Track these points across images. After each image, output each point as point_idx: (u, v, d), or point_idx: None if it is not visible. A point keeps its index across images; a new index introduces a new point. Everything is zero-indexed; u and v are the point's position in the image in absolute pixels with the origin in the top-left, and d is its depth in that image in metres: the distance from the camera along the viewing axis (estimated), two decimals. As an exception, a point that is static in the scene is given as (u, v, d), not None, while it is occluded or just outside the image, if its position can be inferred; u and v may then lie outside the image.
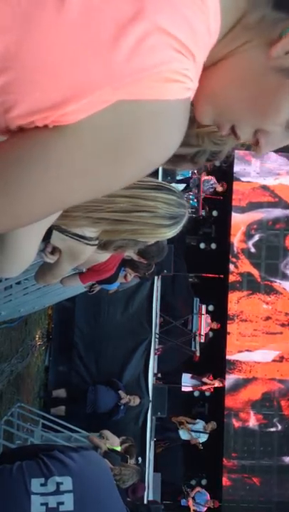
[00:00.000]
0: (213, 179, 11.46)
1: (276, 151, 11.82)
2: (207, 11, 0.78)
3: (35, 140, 0.78)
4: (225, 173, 11.62)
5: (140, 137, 0.78)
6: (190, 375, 11.12)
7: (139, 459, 8.50)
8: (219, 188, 11.66)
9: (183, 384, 11.01)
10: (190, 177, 11.22)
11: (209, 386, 11.16)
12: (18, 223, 0.85)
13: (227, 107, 0.88)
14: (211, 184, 11.47)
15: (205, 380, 11.13)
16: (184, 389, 11.01)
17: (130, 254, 2.87)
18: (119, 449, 7.47)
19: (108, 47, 0.74)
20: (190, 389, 11.11)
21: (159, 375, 10.37)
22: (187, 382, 11.06)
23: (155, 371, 9.94)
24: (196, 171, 11.00)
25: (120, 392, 8.87)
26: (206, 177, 11.37)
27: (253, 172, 12.22)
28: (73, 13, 0.73)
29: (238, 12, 0.83)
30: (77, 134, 0.77)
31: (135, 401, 8.94)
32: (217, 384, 11.18)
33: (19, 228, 0.95)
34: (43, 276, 2.43)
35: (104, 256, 2.53)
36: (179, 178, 10.88)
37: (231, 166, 11.57)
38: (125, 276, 3.76)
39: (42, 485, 1.41)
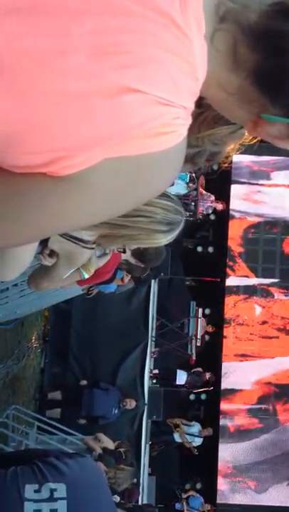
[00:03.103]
0: (212, 196, 11.42)
1: (272, 154, 11.84)
2: (194, 62, 0.82)
3: (32, 183, 0.83)
4: (223, 176, 11.62)
5: (129, 189, 0.84)
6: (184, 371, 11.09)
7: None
8: (219, 206, 11.64)
9: (178, 380, 10.99)
10: (188, 195, 11.13)
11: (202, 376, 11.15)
12: (9, 245, 0.93)
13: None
14: (211, 201, 11.44)
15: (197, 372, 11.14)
16: (178, 382, 10.99)
17: (127, 257, 2.88)
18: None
19: (96, 111, 0.78)
20: (183, 382, 11.08)
21: (156, 371, 10.34)
22: (181, 378, 11.04)
23: (151, 374, 9.94)
24: (194, 178, 10.98)
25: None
26: (205, 193, 11.34)
27: (251, 176, 12.23)
28: (64, 82, 0.77)
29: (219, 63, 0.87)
30: (71, 185, 0.82)
31: (131, 404, 8.92)
32: (208, 377, 11.18)
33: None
34: (39, 280, 2.43)
35: (102, 262, 2.54)
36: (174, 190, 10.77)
37: (229, 169, 11.57)
38: (122, 279, 3.76)
39: (36, 491, 1.40)
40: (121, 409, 8.93)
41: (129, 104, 0.78)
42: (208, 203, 11.40)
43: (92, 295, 4.17)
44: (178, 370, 10.96)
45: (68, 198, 0.83)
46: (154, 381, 10.24)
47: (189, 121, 0.85)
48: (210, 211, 11.55)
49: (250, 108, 0.88)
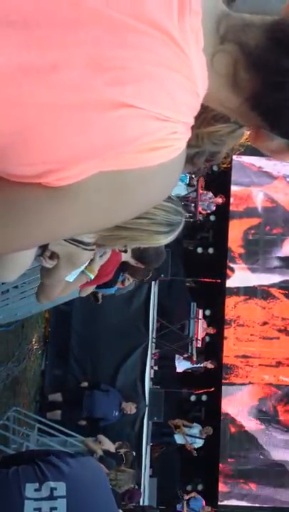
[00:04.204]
0: (209, 193, 11.43)
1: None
2: (194, 77, 0.83)
3: (28, 193, 0.83)
4: (223, 178, 11.64)
5: (124, 201, 0.85)
6: (182, 357, 11.07)
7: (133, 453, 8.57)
8: (219, 201, 11.64)
9: (177, 369, 10.98)
10: (187, 196, 11.14)
11: (201, 366, 11.13)
12: (7, 252, 0.95)
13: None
14: (209, 198, 11.45)
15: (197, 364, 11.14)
16: (178, 370, 10.99)
17: (128, 259, 2.88)
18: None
19: (91, 125, 0.78)
20: (182, 370, 11.07)
21: (156, 367, 10.34)
22: (180, 365, 11.04)
23: (152, 376, 9.93)
24: (193, 179, 10.99)
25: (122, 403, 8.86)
26: (203, 191, 11.35)
27: (251, 177, 12.23)
28: (58, 96, 0.77)
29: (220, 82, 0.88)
30: (66, 196, 0.83)
31: (131, 409, 8.89)
32: (209, 365, 11.16)
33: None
34: (46, 290, 2.42)
35: (103, 260, 2.55)
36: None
37: (229, 171, 11.58)
38: (123, 282, 3.76)
39: (36, 490, 1.41)
40: (121, 412, 8.92)
41: (124, 119, 0.78)
42: (208, 201, 11.41)
43: (100, 301, 4.17)
44: (176, 356, 10.93)
45: (64, 208, 0.84)
46: (155, 374, 10.24)
47: (189, 135, 0.85)
48: (213, 208, 11.54)
49: (249, 124, 0.90)
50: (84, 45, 0.77)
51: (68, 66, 0.77)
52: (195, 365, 11.02)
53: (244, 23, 0.85)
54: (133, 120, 0.79)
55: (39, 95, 0.77)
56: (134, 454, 8.21)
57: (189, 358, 11.00)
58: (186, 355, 10.94)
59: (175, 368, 11.09)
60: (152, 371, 9.97)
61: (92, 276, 2.56)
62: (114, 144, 0.79)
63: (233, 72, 0.84)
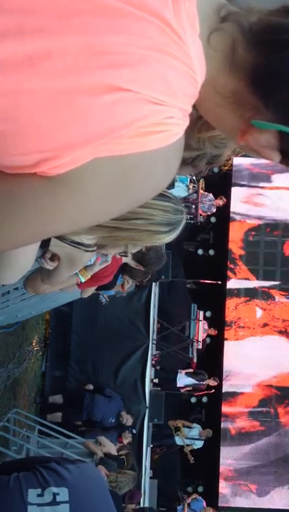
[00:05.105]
0: (210, 195, 11.43)
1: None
2: (192, 63, 0.82)
3: (24, 184, 0.82)
4: (223, 179, 11.63)
5: (121, 188, 0.83)
6: (184, 371, 11.03)
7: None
8: (220, 202, 11.63)
9: (178, 384, 10.95)
10: (188, 198, 11.12)
11: (204, 383, 11.10)
12: (7, 247, 0.95)
13: None
14: (210, 200, 11.45)
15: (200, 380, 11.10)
16: (178, 385, 10.96)
17: (128, 260, 2.87)
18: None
19: (85, 111, 0.77)
20: (184, 388, 11.05)
21: (156, 380, 10.33)
22: (182, 382, 11.01)
23: (152, 377, 9.92)
24: (194, 181, 11.00)
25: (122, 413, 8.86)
26: (203, 192, 11.34)
27: (251, 179, 12.24)
28: (52, 83, 0.76)
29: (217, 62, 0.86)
30: (62, 184, 0.81)
31: (128, 421, 8.87)
32: (211, 383, 11.13)
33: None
34: (38, 283, 2.43)
35: (102, 266, 2.55)
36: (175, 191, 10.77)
37: (230, 172, 11.59)
38: (122, 285, 3.75)
39: (38, 495, 1.40)
40: (117, 420, 8.92)
41: (119, 103, 0.77)
42: (208, 203, 11.40)
43: (107, 301, 4.17)
44: (179, 371, 10.91)
45: (60, 197, 0.82)
46: (156, 381, 10.22)
47: (186, 121, 0.84)
48: (213, 210, 11.54)
49: (242, 112, 0.86)
50: (79, 31, 0.77)
51: (62, 53, 0.76)
52: (197, 382, 10.98)
53: (246, 9, 0.86)
54: (128, 104, 0.78)
55: (33, 82, 0.76)
56: (135, 456, 8.20)
57: (190, 363, 10.98)
58: (188, 371, 10.90)
59: (176, 370, 11.07)
60: (153, 373, 9.96)
61: (84, 280, 2.57)
62: (109, 128, 0.78)
63: (231, 52, 0.84)
